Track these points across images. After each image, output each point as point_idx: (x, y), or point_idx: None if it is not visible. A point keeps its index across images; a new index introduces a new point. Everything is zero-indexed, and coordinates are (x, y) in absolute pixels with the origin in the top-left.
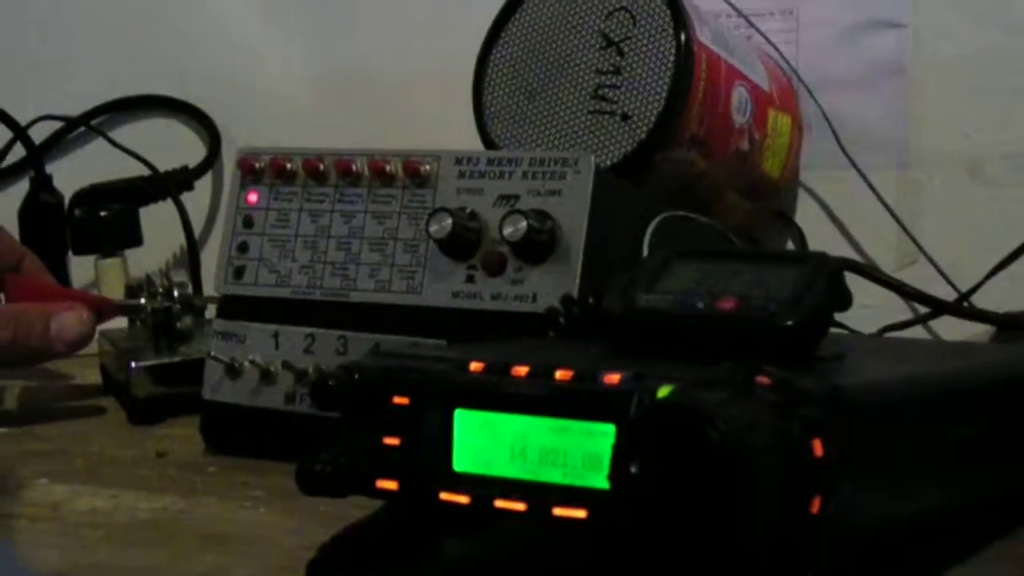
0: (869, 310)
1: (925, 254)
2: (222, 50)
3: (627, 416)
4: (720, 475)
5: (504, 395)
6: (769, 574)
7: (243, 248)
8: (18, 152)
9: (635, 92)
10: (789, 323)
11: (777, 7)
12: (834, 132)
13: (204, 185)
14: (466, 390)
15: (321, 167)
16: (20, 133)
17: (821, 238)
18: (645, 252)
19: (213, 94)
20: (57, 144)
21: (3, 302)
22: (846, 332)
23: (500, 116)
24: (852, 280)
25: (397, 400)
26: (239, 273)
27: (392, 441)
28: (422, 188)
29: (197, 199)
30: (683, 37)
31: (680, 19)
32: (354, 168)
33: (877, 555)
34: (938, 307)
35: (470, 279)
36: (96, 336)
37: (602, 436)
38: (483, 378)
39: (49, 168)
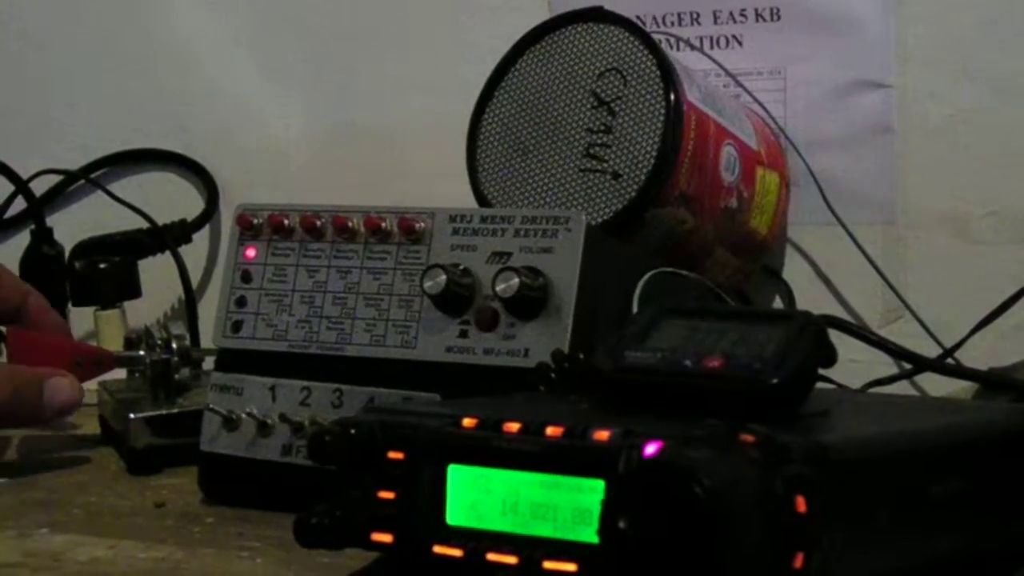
0: (856, 365)
1: (911, 310)
2: (221, 106)
3: (616, 472)
4: (705, 531)
5: (496, 451)
6: None
7: (241, 302)
8: (19, 205)
9: (626, 151)
10: (774, 381)
11: (765, 67)
12: (821, 190)
13: (202, 238)
14: (459, 446)
15: (318, 223)
16: (21, 186)
17: (808, 294)
18: (635, 308)
19: (212, 149)
20: (57, 197)
21: (3, 353)
22: (832, 386)
23: (493, 173)
24: (838, 336)
25: (392, 455)
26: (237, 327)
27: (387, 495)
28: (417, 245)
29: (195, 252)
30: (673, 97)
31: (670, 79)
32: (350, 224)
33: None
34: (921, 364)
35: (463, 334)
36: (95, 387)
37: (592, 491)
38: (476, 434)
39: (49, 221)
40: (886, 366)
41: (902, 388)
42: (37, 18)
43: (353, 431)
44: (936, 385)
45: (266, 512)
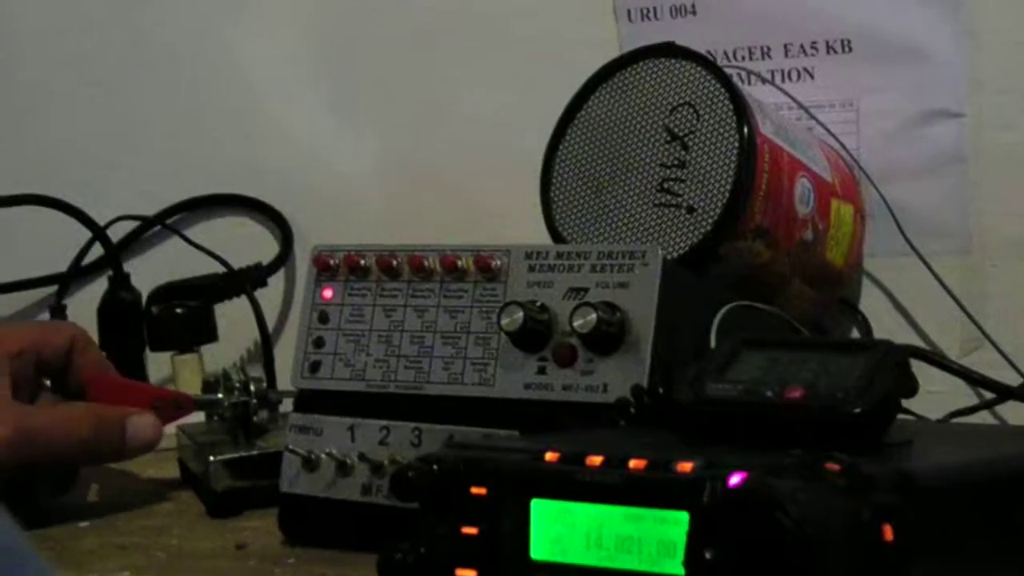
0: (935, 396)
1: (990, 339)
2: (293, 149)
3: (701, 504)
4: (793, 561)
5: (580, 484)
6: None
7: (319, 343)
8: (97, 251)
9: (700, 185)
10: (857, 410)
11: (837, 99)
12: (896, 221)
13: (277, 281)
14: (542, 480)
15: (394, 263)
16: (99, 233)
17: (886, 325)
18: (712, 342)
19: (285, 192)
20: (134, 243)
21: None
22: (912, 418)
23: (567, 210)
24: (917, 366)
25: (475, 490)
26: (315, 367)
27: (470, 530)
28: (493, 282)
29: (270, 295)
30: (746, 130)
31: (743, 113)
32: (426, 264)
33: None
34: (1004, 392)
35: (541, 371)
36: (174, 431)
37: (676, 524)
38: (559, 468)
39: (127, 267)
40: (965, 397)
41: (983, 419)
42: (108, 65)
43: (436, 467)
44: (1018, 415)
45: (347, 552)
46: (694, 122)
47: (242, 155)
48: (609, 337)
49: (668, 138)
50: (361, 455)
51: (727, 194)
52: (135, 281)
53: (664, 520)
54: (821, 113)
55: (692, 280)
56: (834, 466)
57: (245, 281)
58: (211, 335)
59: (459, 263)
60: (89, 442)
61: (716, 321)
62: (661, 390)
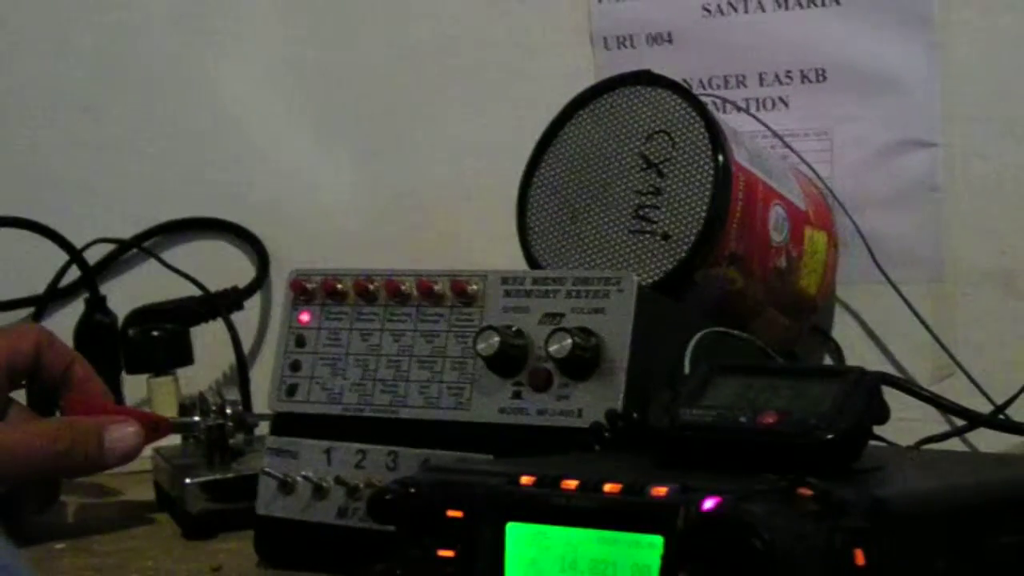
0: (906, 423)
1: (960, 367)
2: (270, 173)
3: (674, 528)
4: None
5: (555, 508)
6: None
7: (295, 367)
8: (73, 274)
9: (675, 212)
10: (830, 436)
11: (812, 128)
12: (869, 249)
13: (253, 305)
14: (518, 503)
15: (371, 287)
16: (75, 255)
17: (858, 353)
18: (686, 368)
19: (262, 216)
20: (111, 266)
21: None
22: (884, 444)
23: (544, 236)
24: (889, 393)
25: (451, 513)
26: (291, 391)
27: (446, 553)
28: (469, 307)
29: (247, 318)
30: (721, 158)
31: (718, 141)
32: (403, 288)
33: None
34: (974, 420)
35: (517, 395)
36: (150, 453)
37: (650, 547)
38: (534, 492)
39: (103, 289)
40: (936, 424)
41: (954, 445)
42: (87, 89)
43: (412, 490)
44: (988, 442)
45: (322, 574)
46: (669, 149)
47: (219, 179)
48: (584, 362)
49: (644, 165)
50: (337, 478)
51: (702, 221)
52: (111, 304)
53: (638, 544)
54: (795, 141)
55: (667, 306)
56: (807, 491)
57: (221, 304)
58: (187, 358)
59: (435, 288)
60: (66, 454)
61: (690, 347)
62: (635, 415)
